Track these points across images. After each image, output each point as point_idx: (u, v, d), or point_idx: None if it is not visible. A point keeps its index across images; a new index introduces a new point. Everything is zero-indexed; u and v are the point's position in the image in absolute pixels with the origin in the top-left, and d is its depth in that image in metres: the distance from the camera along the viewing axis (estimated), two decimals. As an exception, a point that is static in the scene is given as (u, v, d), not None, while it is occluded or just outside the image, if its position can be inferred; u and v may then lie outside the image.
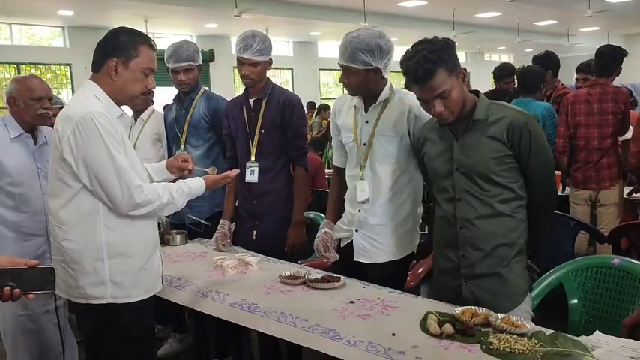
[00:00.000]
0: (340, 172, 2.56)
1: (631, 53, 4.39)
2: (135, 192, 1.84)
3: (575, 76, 4.75)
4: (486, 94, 4.58)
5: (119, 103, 1.97)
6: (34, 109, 2.60)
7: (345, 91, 2.42)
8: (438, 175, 2.07)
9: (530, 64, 4.52)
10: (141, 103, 3.31)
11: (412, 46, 1.92)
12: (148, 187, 1.89)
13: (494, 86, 5.03)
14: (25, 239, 2.60)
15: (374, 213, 2.34)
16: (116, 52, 1.90)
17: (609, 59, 3.86)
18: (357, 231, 2.39)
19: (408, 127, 2.28)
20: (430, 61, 1.83)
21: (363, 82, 2.25)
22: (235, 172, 2.26)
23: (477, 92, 2.00)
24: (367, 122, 2.34)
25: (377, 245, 2.36)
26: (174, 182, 2.12)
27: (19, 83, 2.64)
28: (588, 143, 3.82)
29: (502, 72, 4.95)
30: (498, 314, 1.76)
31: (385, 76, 2.31)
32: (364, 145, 2.34)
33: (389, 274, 2.32)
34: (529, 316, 1.96)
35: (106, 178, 1.82)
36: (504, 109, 1.96)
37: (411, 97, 2.24)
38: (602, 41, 16.10)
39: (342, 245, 2.47)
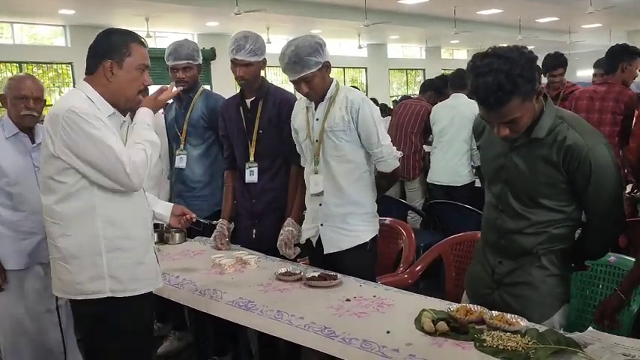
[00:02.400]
0: None
1: (633, 49, 4.37)
2: (132, 166, 1.83)
3: (593, 71, 4.75)
4: None
5: (116, 105, 1.98)
6: (17, 108, 2.58)
7: (300, 96, 2.54)
8: (487, 176, 1.96)
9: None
10: (138, 102, 3.31)
11: (484, 56, 1.66)
12: (131, 153, 1.87)
13: None
14: (23, 238, 2.61)
15: (335, 203, 2.45)
16: (109, 54, 1.91)
17: (610, 56, 3.85)
18: (322, 225, 2.48)
19: (353, 120, 2.39)
20: (505, 91, 1.60)
21: (322, 81, 2.40)
22: (173, 88, 2.23)
23: (545, 97, 1.76)
24: (317, 120, 2.46)
25: (344, 233, 2.46)
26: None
27: (10, 81, 2.64)
28: None
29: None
30: (493, 312, 1.77)
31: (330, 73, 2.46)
32: (316, 141, 2.46)
33: (361, 259, 2.45)
34: (559, 327, 1.86)
35: (105, 165, 1.82)
36: (569, 131, 1.72)
37: (354, 93, 2.44)
38: (604, 38, 16.06)
39: (314, 245, 2.54)
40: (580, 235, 1.90)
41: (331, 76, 2.46)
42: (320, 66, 2.34)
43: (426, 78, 8.15)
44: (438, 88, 5.10)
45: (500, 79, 1.59)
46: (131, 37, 1.95)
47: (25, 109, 2.59)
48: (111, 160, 1.81)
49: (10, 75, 12.12)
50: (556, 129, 1.74)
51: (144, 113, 2.04)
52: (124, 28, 2.05)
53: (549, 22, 16.91)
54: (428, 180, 4.64)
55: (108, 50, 1.92)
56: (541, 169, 1.76)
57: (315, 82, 2.37)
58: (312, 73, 2.33)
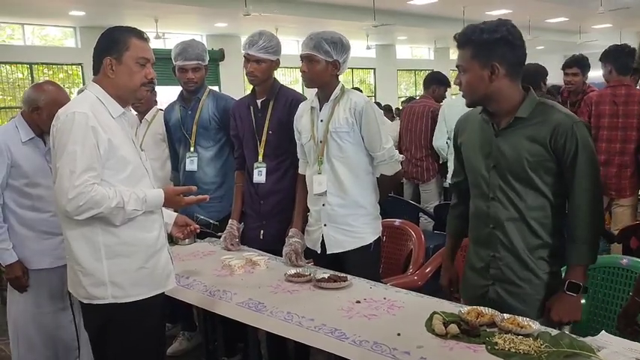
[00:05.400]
0: (305, 179, 2.63)
1: (643, 50, 4.30)
2: (77, 195, 1.77)
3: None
4: None
5: (124, 101, 1.99)
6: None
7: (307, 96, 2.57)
8: (473, 169, 2.01)
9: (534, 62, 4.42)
10: (145, 96, 3.28)
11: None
12: (99, 188, 1.81)
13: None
14: (45, 238, 2.64)
15: (339, 203, 2.47)
16: (108, 51, 1.93)
17: (624, 56, 3.78)
18: (325, 225, 2.49)
19: (357, 123, 2.42)
20: (465, 36, 1.89)
21: (322, 72, 2.43)
22: (194, 188, 2.20)
23: (527, 88, 1.93)
24: (322, 121, 2.49)
25: (347, 234, 2.47)
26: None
27: (47, 94, 2.61)
28: (610, 146, 3.76)
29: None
30: (504, 315, 1.76)
31: (339, 76, 2.52)
32: (320, 142, 2.48)
33: (364, 260, 2.46)
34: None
35: (59, 176, 1.80)
36: (551, 111, 1.86)
37: (358, 95, 2.49)
38: (614, 38, 15.89)
39: (320, 246, 2.54)
40: (569, 224, 1.90)
41: (312, 67, 2.44)
42: (329, 58, 2.40)
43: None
44: (440, 80, 5.03)
45: (473, 27, 1.85)
46: (129, 32, 1.96)
47: None
48: (65, 176, 1.78)
49: (21, 76, 12.25)
50: (539, 111, 1.86)
51: (156, 195, 1.96)
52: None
53: (559, 22, 16.79)
54: (450, 182, 4.59)
55: (107, 48, 1.94)
56: (526, 148, 1.84)
57: (316, 69, 2.42)
58: (317, 57, 2.39)
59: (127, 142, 1.94)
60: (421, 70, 21.30)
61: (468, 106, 1.98)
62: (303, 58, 2.44)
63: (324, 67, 2.42)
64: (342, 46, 2.43)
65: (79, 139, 1.81)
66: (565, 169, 1.84)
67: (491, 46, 1.82)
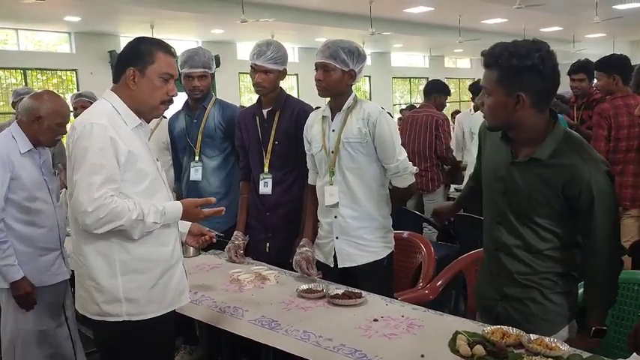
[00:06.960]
0: (315, 190, 2.58)
1: (636, 59, 4.32)
2: (97, 208, 1.71)
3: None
4: None
5: (140, 114, 1.93)
6: (55, 133, 2.56)
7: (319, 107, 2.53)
8: (485, 186, 1.96)
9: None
10: (162, 113, 3.22)
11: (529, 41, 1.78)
12: (119, 200, 1.75)
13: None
14: (41, 254, 2.57)
15: (351, 215, 2.41)
16: (133, 61, 1.87)
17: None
18: (337, 238, 2.43)
19: (370, 133, 2.37)
20: (494, 57, 1.77)
21: (338, 82, 2.37)
22: (213, 199, 2.12)
23: (555, 115, 1.80)
24: (333, 130, 2.44)
25: (360, 247, 2.41)
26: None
27: (48, 104, 2.54)
28: (627, 155, 3.73)
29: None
30: (530, 335, 1.70)
31: (352, 86, 2.46)
32: (332, 152, 2.42)
33: (378, 275, 2.41)
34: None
35: (77, 188, 1.74)
36: (572, 155, 1.72)
37: (372, 106, 2.43)
38: (608, 47, 16.01)
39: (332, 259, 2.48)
40: (586, 269, 1.83)
41: (328, 76, 2.38)
42: (345, 67, 2.35)
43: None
44: (442, 89, 5.00)
45: (502, 49, 1.70)
46: (157, 46, 1.90)
47: (59, 135, 2.58)
48: (84, 189, 1.71)
49: (14, 82, 12.13)
50: (559, 153, 1.74)
51: (175, 208, 1.89)
52: (129, 35, 2.00)
53: (553, 31, 16.91)
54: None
55: (132, 57, 1.88)
56: (539, 189, 1.77)
57: (332, 77, 2.36)
58: (334, 65, 2.33)
59: (144, 154, 1.89)
60: (416, 78, 21.38)
61: (489, 129, 1.89)
62: (318, 66, 2.38)
63: (339, 77, 2.37)
64: (359, 56, 2.39)
65: (98, 150, 1.75)
66: (580, 216, 1.75)
67: (519, 74, 1.68)
